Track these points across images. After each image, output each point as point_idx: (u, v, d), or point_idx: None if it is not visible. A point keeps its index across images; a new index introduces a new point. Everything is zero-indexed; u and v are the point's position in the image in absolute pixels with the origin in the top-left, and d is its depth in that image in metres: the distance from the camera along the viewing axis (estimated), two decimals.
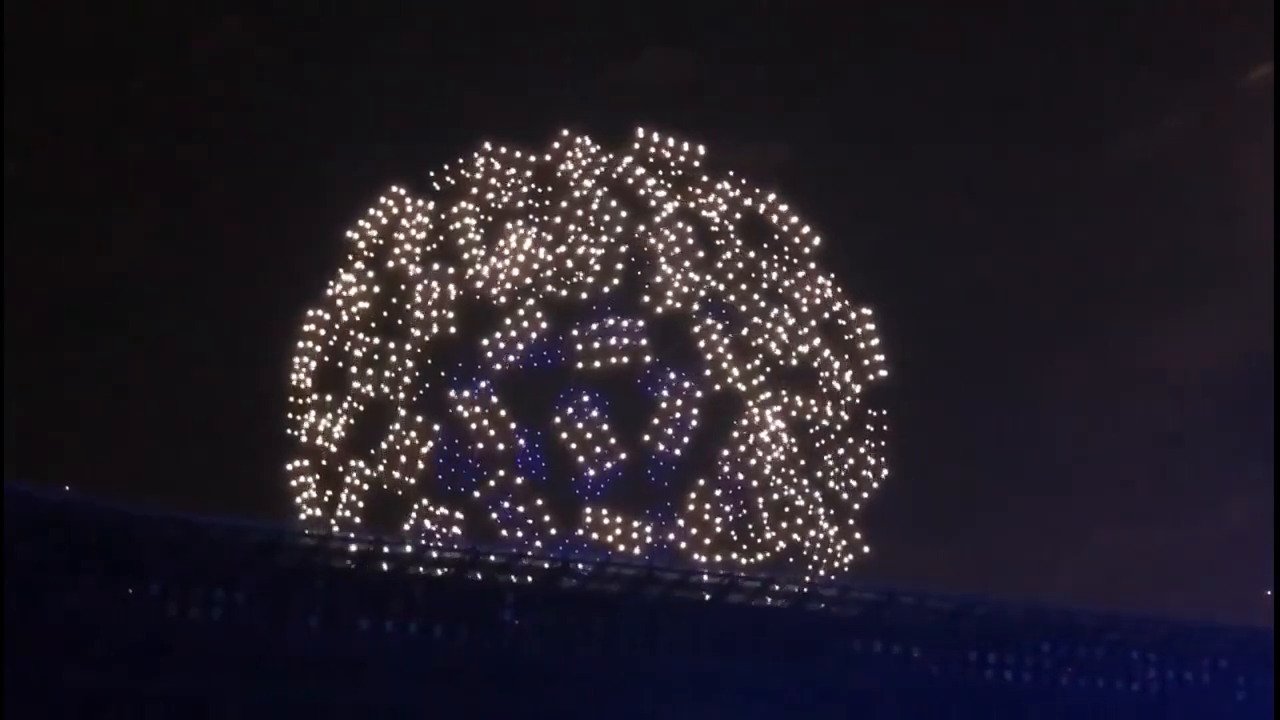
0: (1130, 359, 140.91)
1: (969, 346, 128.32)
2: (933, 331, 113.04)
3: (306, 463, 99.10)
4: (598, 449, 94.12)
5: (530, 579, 77.43)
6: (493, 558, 77.36)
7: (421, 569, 76.88)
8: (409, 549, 78.46)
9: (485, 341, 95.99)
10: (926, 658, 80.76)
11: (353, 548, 77.22)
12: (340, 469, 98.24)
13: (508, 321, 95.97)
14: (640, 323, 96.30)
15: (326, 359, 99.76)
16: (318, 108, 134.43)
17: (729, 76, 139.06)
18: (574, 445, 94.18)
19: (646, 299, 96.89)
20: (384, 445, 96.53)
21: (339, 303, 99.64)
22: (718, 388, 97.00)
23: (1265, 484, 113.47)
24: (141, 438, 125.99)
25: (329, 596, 74.82)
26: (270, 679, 72.35)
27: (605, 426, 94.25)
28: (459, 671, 74.68)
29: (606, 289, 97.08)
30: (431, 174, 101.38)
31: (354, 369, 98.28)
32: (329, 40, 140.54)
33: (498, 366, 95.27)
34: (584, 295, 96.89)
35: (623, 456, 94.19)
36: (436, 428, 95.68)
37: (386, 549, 77.37)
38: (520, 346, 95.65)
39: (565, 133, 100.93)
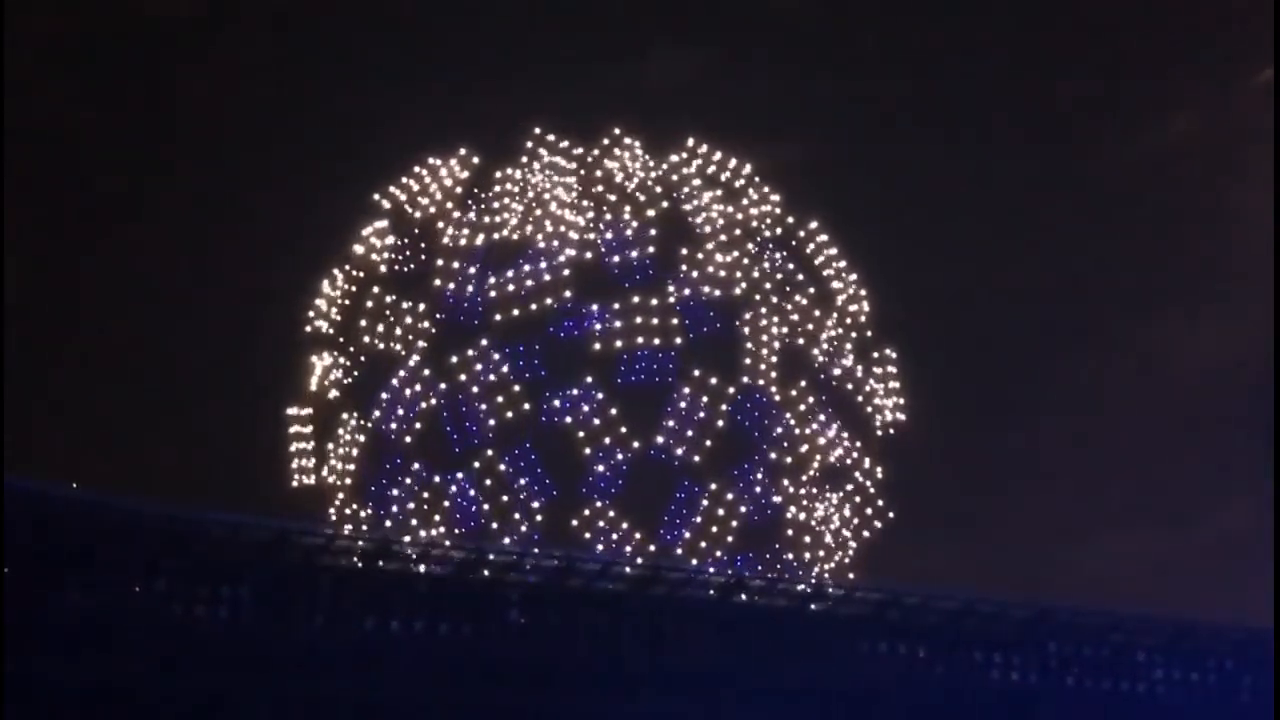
0: (1135, 359, 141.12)
1: (971, 348, 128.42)
2: (938, 333, 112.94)
3: (308, 411, 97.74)
4: (606, 439, 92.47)
5: (536, 578, 77.30)
6: (498, 557, 77.24)
7: (427, 567, 76.79)
8: (415, 548, 78.43)
9: (492, 281, 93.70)
10: (931, 658, 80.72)
11: (359, 545, 77.16)
12: (336, 420, 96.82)
13: (528, 280, 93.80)
14: (671, 300, 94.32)
15: (343, 310, 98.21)
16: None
17: (736, 77, 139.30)
18: (581, 433, 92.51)
19: (681, 282, 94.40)
20: (384, 398, 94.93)
21: (363, 255, 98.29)
22: (747, 388, 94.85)
23: (1268, 485, 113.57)
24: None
25: (335, 595, 74.69)
26: (276, 677, 72.18)
27: (614, 411, 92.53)
28: (464, 670, 74.53)
29: (641, 256, 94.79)
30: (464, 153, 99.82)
31: (364, 321, 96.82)
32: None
33: (510, 323, 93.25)
34: (615, 260, 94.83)
35: (635, 446, 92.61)
36: (443, 386, 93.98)
37: (392, 548, 77.27)
38: (534, 308, 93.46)
39: (616, 131, 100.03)
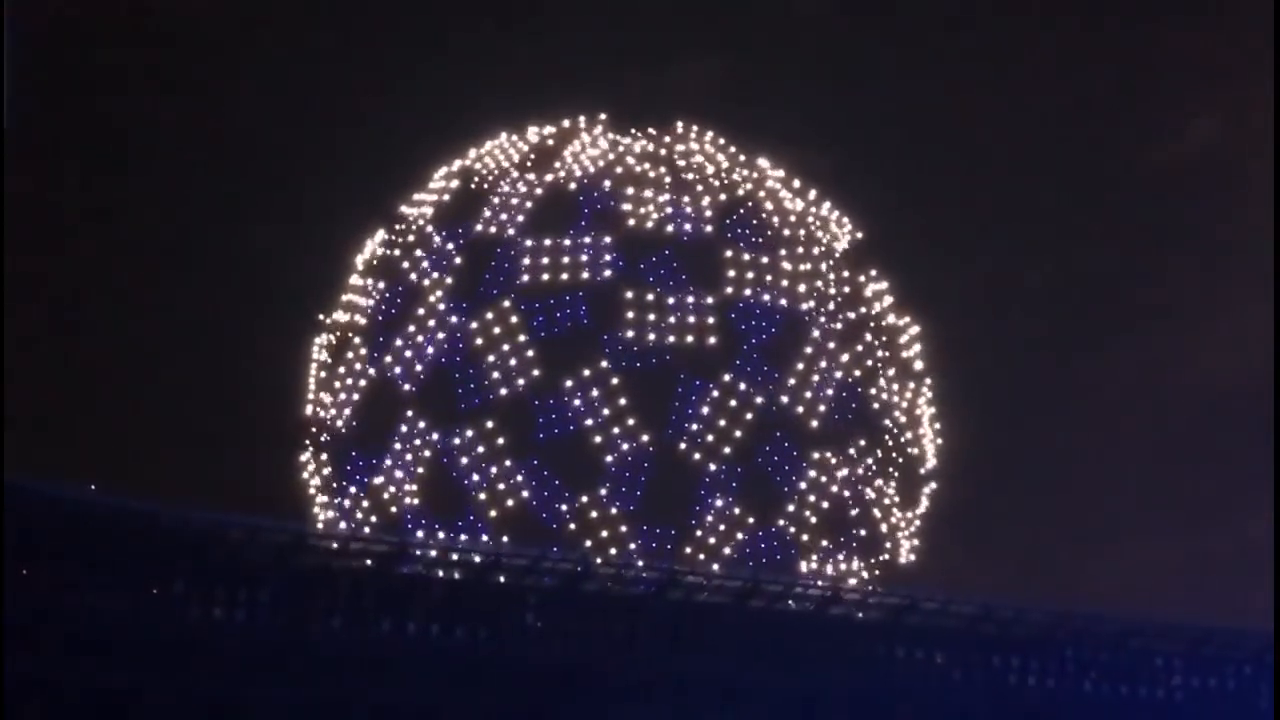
0: (1154, 369, 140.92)
1: (988, 354, 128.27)
2: (953, 338, 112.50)
3: (332, 339, 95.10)
4: (615, 429, 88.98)
5: (552, 581, 77.23)
6: (514, 560, 77.19)
7: (444, 571, 76.75)
8: (432, 551, 78.33)
9: (530, 244, 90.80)
10: (949, 662, 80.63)
11: (376, 549, 77.10)
12: (350, 353, 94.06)
13: (569, 251, 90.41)
14: (709, 300, 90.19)
15: (388, 251, 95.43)
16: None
17: (761, 81, 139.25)
18: (588, 420, 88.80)
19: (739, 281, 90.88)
20: (397, 343, 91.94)
21: (414, 209, 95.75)
22: (785, 401, 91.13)
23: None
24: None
25: (351, 598, 74.70)
26: (291, 680, 72.23)
27: (624, 402, 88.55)
28: (481, 673, 74.53)
29: (698, 235, 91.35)
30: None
31: (397, 252, 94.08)
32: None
33: (538, 288, 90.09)
34: (668, 230, 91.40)
35: (644, 439, 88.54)
36: (458, 336, 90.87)
37: (409, 551, 77.20)
38: (564, 277, 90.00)
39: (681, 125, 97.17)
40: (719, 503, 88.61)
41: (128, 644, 70.20)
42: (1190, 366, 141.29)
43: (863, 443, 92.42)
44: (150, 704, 70.08)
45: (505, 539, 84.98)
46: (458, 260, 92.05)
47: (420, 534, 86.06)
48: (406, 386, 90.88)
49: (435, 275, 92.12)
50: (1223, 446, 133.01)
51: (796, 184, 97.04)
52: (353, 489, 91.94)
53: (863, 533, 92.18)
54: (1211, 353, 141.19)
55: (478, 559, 77.31)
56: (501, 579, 76.62)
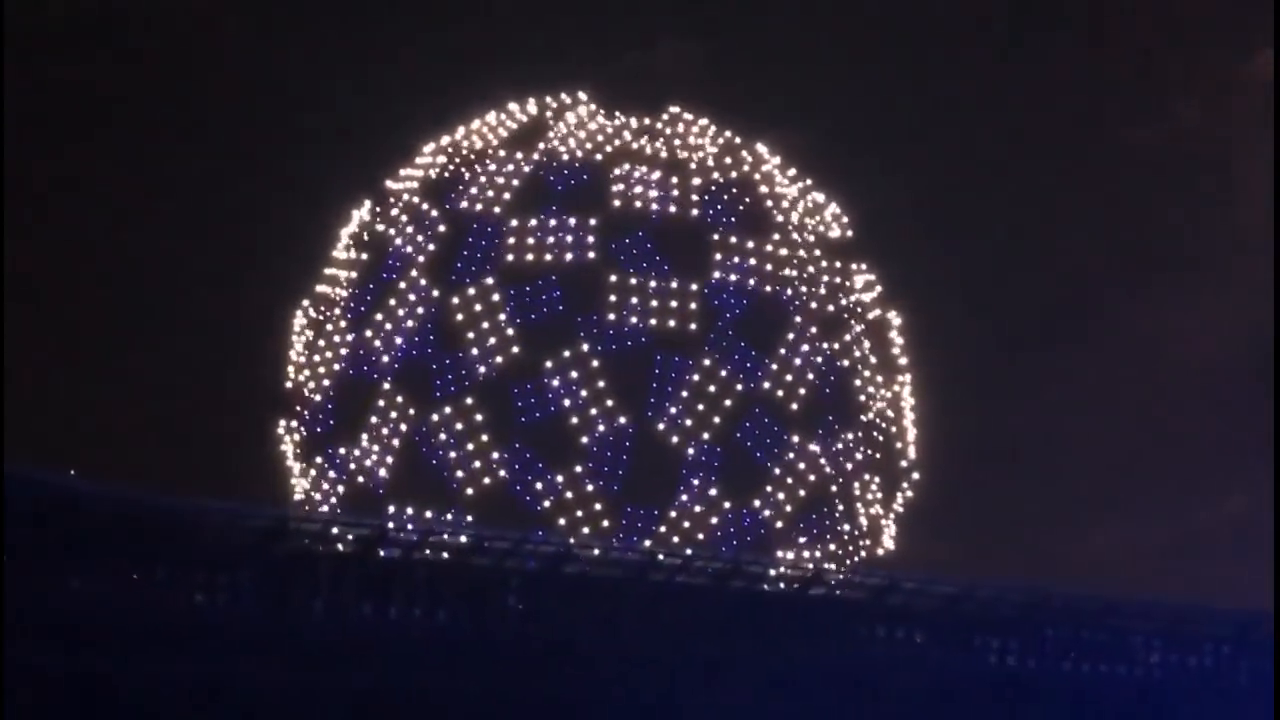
0: (1132, 348, 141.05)
1: (966, 332, 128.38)
2: (943, 318, 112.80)
3: (313, 312, 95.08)
4: (593, 410, 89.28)
5: (534, 564, 77.32)
6: (497, 543, 77.23)
7: (427, 554, 76.77)
8: (413, 535, 78.36)
9: (515, 224, 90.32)
10: (929, 642, 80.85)
11: (357, 532, 77.07)
12: (329, 324, 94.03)
13: (554, 231, 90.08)
14: (695, 286, 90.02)
15: (372, 225, 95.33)
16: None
17: (745, 64, 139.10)
18: (566, 401, 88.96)
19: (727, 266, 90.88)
20: (377, 317, 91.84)
21: (399, 184, 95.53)
22: (767, 387, 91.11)
23: (1263, 475, 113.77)
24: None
25: (334, 582, 74.72)
26: (274, 665, 72.20)
27: (603, 383, 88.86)
28: (462, 656, 74.60)
29: (681, 213, 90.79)
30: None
31: (382, 226, 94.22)
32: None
33: (522, 268, 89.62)
34: (654, 212, 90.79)
35: (622, 420, 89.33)
36: (421, 311, 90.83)
37: (390, 534, 77.23)
38: (549, 258, 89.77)
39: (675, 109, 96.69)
40: (696, 482, 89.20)
41: (106, 630, 70.10)
42: (1168, 347, 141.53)
43: (847, 436, 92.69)
44: (129, 692, 70.03)
45: (481, 518, 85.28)
46: (441, 236, 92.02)
47: (394, 509, 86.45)
48: (385, 359, 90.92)
49: (418, 251, 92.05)
50: (1200, 427, 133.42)
51: (786, 169, 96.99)
52: (328, 464, 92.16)
53: (845, 527, 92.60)
54: (1187, 335, 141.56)
55: (461, 540, 77.40)
56: (483, 562, 76.64)
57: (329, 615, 73.88)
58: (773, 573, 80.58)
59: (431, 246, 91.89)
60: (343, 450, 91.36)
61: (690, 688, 76.36)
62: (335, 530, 76.92)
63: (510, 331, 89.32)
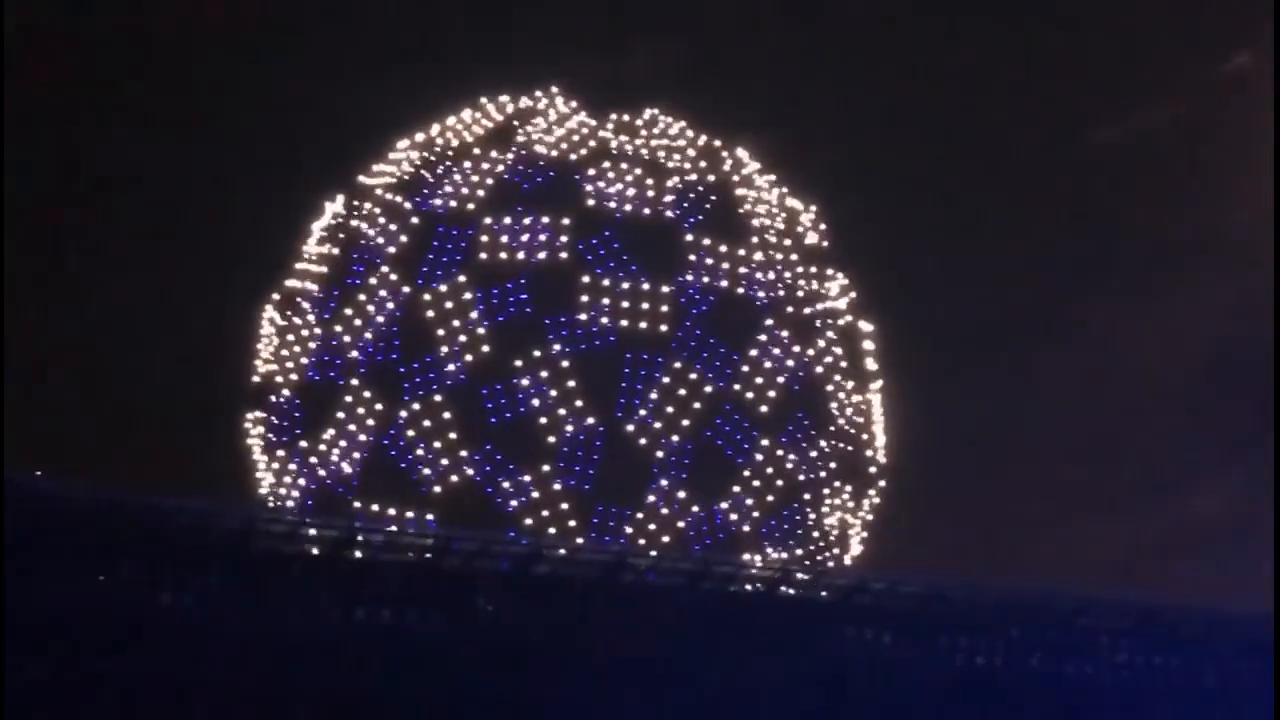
0: (1106, 347, 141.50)
1: (943, 335, 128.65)
2: (911, 320, 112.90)
3: (284, 305, 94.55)
4: (562, 410, 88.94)
5: (504, 565, 77.33)
6: (468, 544, 77.21)
7: (395, 555, 76.69)
8: (383, 536, 78.27)
9: (488, 222, 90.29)
10: (898, 643, 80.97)
11: (327, 534, 77.01)
12: (297, 319, 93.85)
13: (527, 230, 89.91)
14: (666, 289, 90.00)
15: (345, 220, 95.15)
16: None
17: (722, 66, 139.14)
18: (536, 401, 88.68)
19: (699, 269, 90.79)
20: (347, 312, 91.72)
21: (373, 180, 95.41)
22: (737, 389, 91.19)
23: (1239, 471, 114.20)
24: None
25: (304, 584, 74.64)
26: (242, 666, 72.15)
27: (573, 383, 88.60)
28: (433, 657, 74.61)
29: (655, 214, 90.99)
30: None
31: (354, 221, 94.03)
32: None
33: (493, 268, 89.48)
34: (627, 213, 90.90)
35: (590, 420, 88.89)
36: (391, 307, 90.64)
37: (361, 536, 77.15)
38: (521, 256, 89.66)
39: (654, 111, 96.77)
40: (665, 483, 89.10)
41: (72, 631, 70.05)
42: (1136, 349, 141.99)
43: (818, 440, 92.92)
44: (97, 690, 69.99)
45: (449, 517, 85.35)
46: (413, 232, 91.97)
47: (361, 507, 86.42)
48: (354, 355, 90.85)
49: (390, 247, 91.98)
50: (1169, 427, 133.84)
51: (762, 173, 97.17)
52: (294, 460, 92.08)
53: (814, 531, 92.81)
54: (1158, 336, 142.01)
55: (429, 541, 77.34)
56: (453, 562, 76.59)
57: (298, 616, 73.86)
58: (742, 573, 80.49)
59: (403, 239, 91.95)
60: (310, 446, 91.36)
61: (660, 688, 76.41)
62: (304, 531, 76.79)
63: (480, 330, 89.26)
